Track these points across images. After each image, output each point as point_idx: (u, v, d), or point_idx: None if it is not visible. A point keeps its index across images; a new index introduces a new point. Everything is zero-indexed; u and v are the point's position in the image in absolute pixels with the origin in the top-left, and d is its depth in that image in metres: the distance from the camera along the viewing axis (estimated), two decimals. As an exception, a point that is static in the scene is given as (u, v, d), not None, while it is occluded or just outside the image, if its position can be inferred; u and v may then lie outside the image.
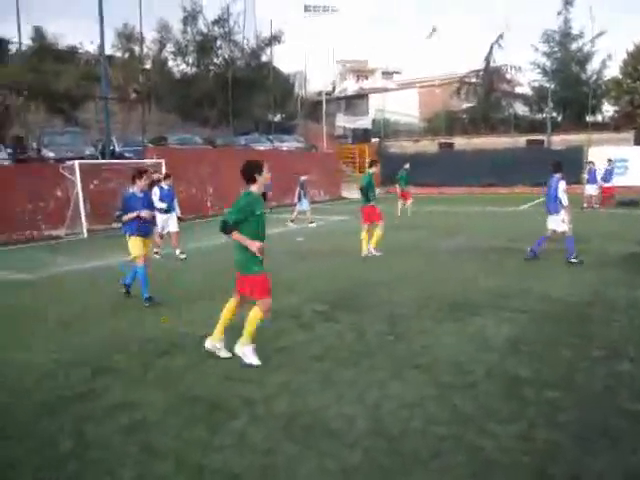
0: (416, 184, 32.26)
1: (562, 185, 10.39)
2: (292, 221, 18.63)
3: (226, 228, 5.50)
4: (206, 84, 35.25)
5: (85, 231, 17.36)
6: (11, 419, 4.62)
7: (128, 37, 36.55)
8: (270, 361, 5.72)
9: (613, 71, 39.26)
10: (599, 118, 41.11)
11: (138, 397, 4.92)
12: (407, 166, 20.80)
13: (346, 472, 3.65)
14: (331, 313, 7.43)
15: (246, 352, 5.64)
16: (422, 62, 77.26)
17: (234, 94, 33.28)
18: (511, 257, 11.31)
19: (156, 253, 12.07)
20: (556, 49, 41.36)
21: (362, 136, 41.99)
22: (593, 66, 40.67)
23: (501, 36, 43.04)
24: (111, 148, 22.51)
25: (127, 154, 22.76)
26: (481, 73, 43.98)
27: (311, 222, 18.43)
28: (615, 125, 37.56)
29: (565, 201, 10.33)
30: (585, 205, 21.39)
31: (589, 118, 38.99)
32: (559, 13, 40.79)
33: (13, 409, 4.82)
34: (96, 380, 5.35)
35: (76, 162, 17.64)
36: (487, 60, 43.69)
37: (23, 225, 16.89)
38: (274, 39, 38.65)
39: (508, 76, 44.28)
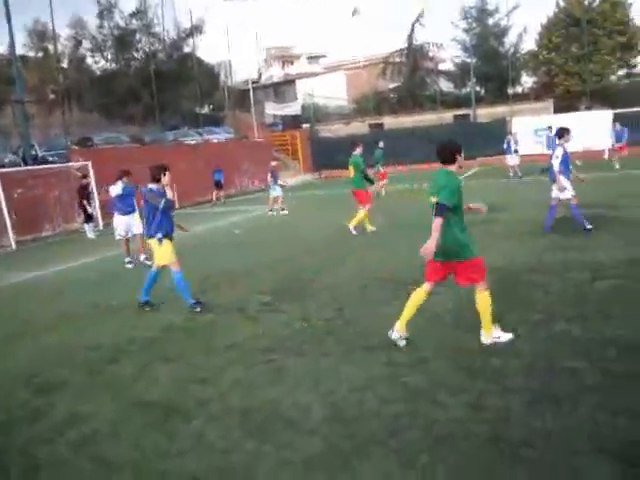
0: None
1: (557, 151, 9.95)
2: (271, 210, 18.09)
3: (444, 212, 4.86)
4: (128, 80, 34.24)
5: (13, 243, 16.60)
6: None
7: (40, 35, 35.00)
8: (221, 358, 5.66)
9: (529, 44, 40.78)
10: (519, 90, 42.60)
11: (87, 410, 4.76)
12: (381, 145, 19.67)
13: (307, 462, 3.67)
14: (277, 304, 7.40)
15: (495, 334, 5.32)
16: (347, 44, 77.60)
17: (158, 88, 32.46)
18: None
19: (147, 259, 10.84)
20: (474, 25, 42.46)
21: (292, 122, 41.85)
22: (510, 40, 42.07)
23: (421, 14, 43.82)
24: (33, 153, 21.54)
25: (51, 158, 21.84)
26: (405, 52, 44.64)
27: (282, 209, 17.94)
28: (535, 95, 39.03)
29: (556, 167, 9.88)
30: (511, 174, 22.17)
31: (510, 90, 40.31)
32: (475, -12, 41.86)
33: (-47, 437, 4.58)
34: (42, 397, 5.15)
35: (-4, 171, 16.78)
36: (409, 39, 44.38)
37: (-56, 242, 15.98)
38: (195, 29, 37.93)
39: (431, 54, 45.15)
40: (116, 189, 10.96)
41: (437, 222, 4.86)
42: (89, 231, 17.11)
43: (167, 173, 7.42)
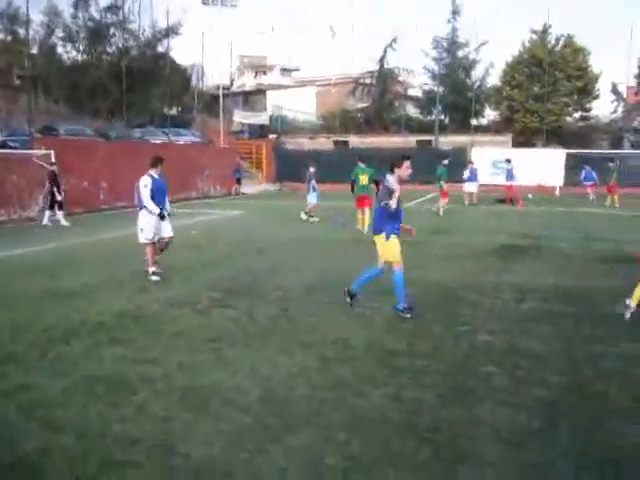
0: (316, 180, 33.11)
1: None
2: (306, 214, 17.74)
3: None
4: (98, 73, 34.10)
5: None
6: None
7: (12, 18, 34.59)
8: (167, 344, 6.02)
9: (494, 79, 42.41)
10: (482, 121, 44.18)
11: (37, 380, 5.04)
12: (446, 162, 19.90)
13: (238, 432, 4.08)
14: (226, 300, 7.79)
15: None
16: (320, 61, 78.81)
17: (128, 85, 32.47)
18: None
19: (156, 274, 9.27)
20: (444, 55, 43.92)
21: (259, 132, 42.30)
22: (477, 73, 43.69)
23: (394, 40, 45.04)
24: (-6, 137, 21.37)
25: (12, 144, 21.65)
26: (375, 74, 45.75)
27: (312, 216, 17.62)
28: (496, 129, 40.56)
29: None
30: (466, 202, 23.07)
31: (473, 121, 41.76)
32: (448, 21, 43.41)
33: None
34: (-9, 367, 5.39)
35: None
36: (381, 62, 45.53)
37: None
38: (171, 30, 38.10)
39: (401, 78, 46.39)
40: (146, 180, 9.15)
41: None
42: (62, 218, 17.25)
43: (407, 163, 7.03)
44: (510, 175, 23.45)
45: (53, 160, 18.19)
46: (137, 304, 7.65)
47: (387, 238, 6.94)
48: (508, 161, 23.94)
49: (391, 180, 6.94)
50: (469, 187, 23.47)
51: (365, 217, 14.64)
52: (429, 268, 9.97)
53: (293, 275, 9.47)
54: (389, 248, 6.98)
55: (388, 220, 6.95)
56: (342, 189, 16.43)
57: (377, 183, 14.39)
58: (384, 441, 3.97)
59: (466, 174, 23.53)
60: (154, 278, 9.13)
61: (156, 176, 9.30)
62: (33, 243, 13.29)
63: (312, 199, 17.84)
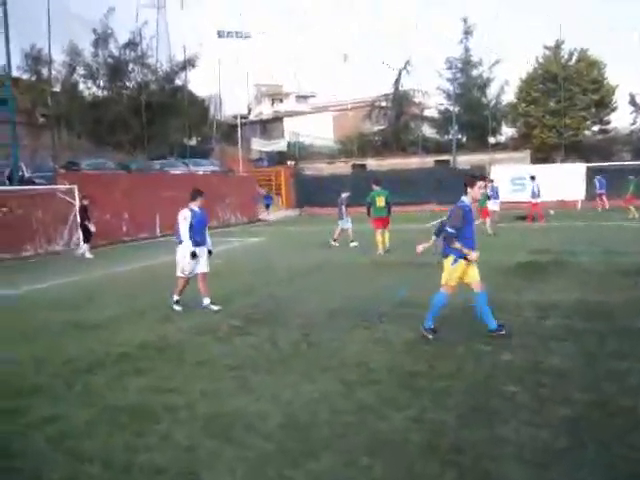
0: (331, 205, 33.29)
1: None
2: (335, 240, 17.58)
3: None
4: (119, 108, 34.90)
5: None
6: None
7: (35, 59, 35.67)
8: (190, 372, 6.08)
9: (510, 96, 42.38)
10: (500, 139, 44.08)
11: (63, 411, 5.13)
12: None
13: (261, 459, 4.10)
14: (248, 327, 7.86)
15: None
16: (335, 86, 79.89)
17: (148, 118, 33.19)
18: (416, 269, 12.13)
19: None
20: (458, 75, 44.11)
21: (278, 159, 42.76)
22: (492, 91, 43.77)
23: (408, 62, 45.46)
24: (20, 174, 21.90)
25: (37, 180, 22.19)
26: (390, 97, 46.11)
27: (352, 241, 17.28)
28: (513, 145, 40.45)
29: None
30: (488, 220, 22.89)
31: (491, 139, 41.74)
32: (460, 42, 43.70)
33: None
34: (20, 399, 5.49)
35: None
36: (396, 85, 45.91)
37: None
38: (188, 63, 38.94)
39: (416, 100, 46.66)
40: (185, 213, 8.99)
41: None
42: (87, 251, 17.69)
43: (480, 183, 6.87)
44: (534, 192, 23.29)
45: (78, 194, 18.70)
46: (160, 334, 7.75)
47: (454, 263, 6.76)
48: (533, 178, 23.77)
49: (467, 201, 6.82)
50: (491, 205, 23.28)
51: (385, 238, 15.13)
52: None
53: (314, 301, 9.51)
54: (450, 272, 6.83)
55: (464, 241, 6.70)
56: (361, 212, 16.41)
57: (388, 205, 14.97)
58: (407, 464, 3.96)
59: (489, 192, 23.37)
60: (177, 308, 9.24)
61: (196, 209, 9.09)
62: (57, 276, 13.54)
63: (347, 224, 17.61)
